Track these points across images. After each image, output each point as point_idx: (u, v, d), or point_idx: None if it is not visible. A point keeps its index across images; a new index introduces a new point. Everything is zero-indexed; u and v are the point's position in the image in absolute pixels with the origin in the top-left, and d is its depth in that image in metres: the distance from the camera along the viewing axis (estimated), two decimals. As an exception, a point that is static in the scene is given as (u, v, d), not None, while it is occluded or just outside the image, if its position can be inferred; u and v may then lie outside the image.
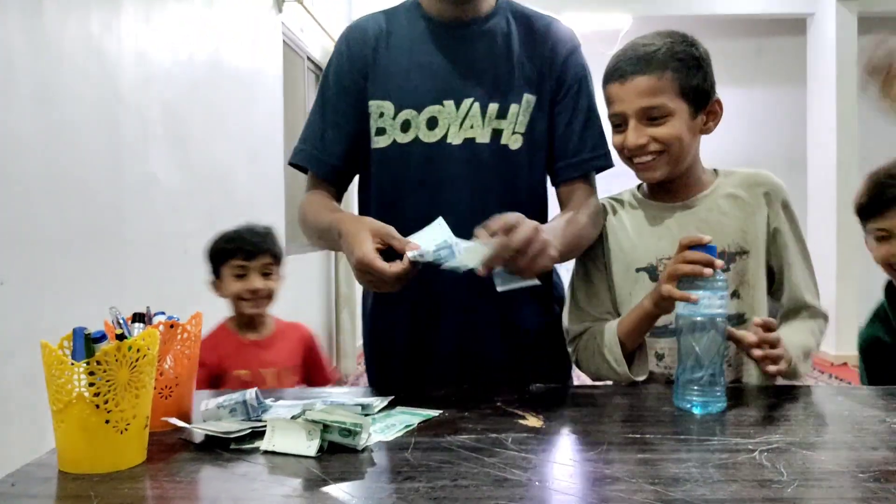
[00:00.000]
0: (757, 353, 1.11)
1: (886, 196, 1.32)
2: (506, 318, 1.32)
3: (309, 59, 4.83)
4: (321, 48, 4.98)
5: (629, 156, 1.27)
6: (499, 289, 1.08)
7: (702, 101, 1.25)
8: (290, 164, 1.40)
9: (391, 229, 1.11)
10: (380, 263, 1.07)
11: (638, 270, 1.29)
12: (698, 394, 1.06)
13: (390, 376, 1.39)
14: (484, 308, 1.29)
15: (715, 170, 1.35)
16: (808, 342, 1.23)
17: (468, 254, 1.06)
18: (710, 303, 1.06)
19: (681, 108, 1.23)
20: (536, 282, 1.09)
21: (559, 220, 1.26)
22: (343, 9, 5.55)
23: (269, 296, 1.86)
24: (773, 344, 1.11)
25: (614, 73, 1.25)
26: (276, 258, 1.88)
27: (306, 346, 1.95)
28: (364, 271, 1.08)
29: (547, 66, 1.31)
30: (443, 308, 1.31)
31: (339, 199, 1.40)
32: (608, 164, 1.34)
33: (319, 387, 1.85)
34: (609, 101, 1.27)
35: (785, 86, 6.77)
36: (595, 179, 1.37)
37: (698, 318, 1.07)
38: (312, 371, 1.93)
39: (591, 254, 1.33)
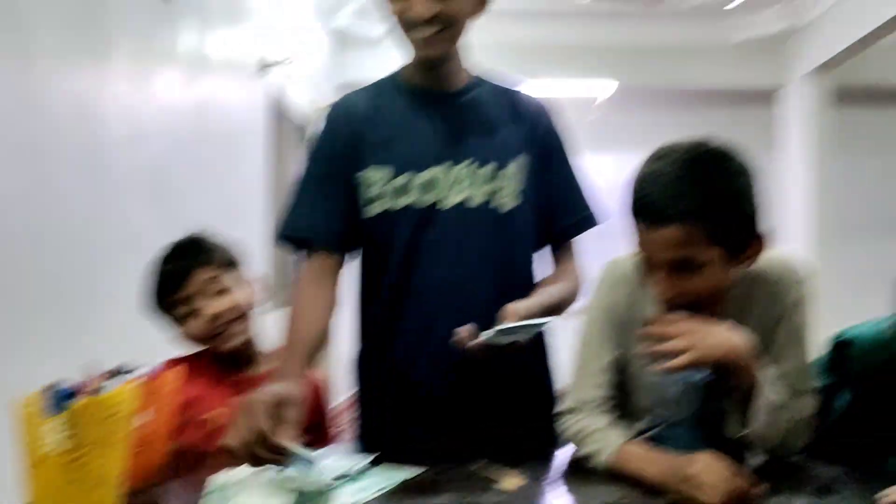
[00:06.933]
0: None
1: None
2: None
3: (293, 121, 4.90)
4: (305, 111, 5.06)
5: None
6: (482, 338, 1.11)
7: (742, 238, 1.07)
8: (284, 237, 1.31)
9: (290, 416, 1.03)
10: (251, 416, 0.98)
11: None
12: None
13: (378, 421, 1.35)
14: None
15: None
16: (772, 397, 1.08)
17: None
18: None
19: (716, 255, 1.05)
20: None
21: (540, 296, 1.27)
22: (328, 72, 5.67)
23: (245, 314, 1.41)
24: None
25: (639, 212, 1.08)
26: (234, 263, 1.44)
27: (313, 393, 1.43)
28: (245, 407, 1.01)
29: (530, 134, 1.35)
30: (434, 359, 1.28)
31: (338, 270, 1.34)
32: (593, 224, 1.38)
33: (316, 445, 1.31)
34: (635, 237, 1.11)
35: (756, 154, 6.96)
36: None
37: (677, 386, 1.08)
38: (312, 424, 1.36)
39: (614, 319, 1.21)
